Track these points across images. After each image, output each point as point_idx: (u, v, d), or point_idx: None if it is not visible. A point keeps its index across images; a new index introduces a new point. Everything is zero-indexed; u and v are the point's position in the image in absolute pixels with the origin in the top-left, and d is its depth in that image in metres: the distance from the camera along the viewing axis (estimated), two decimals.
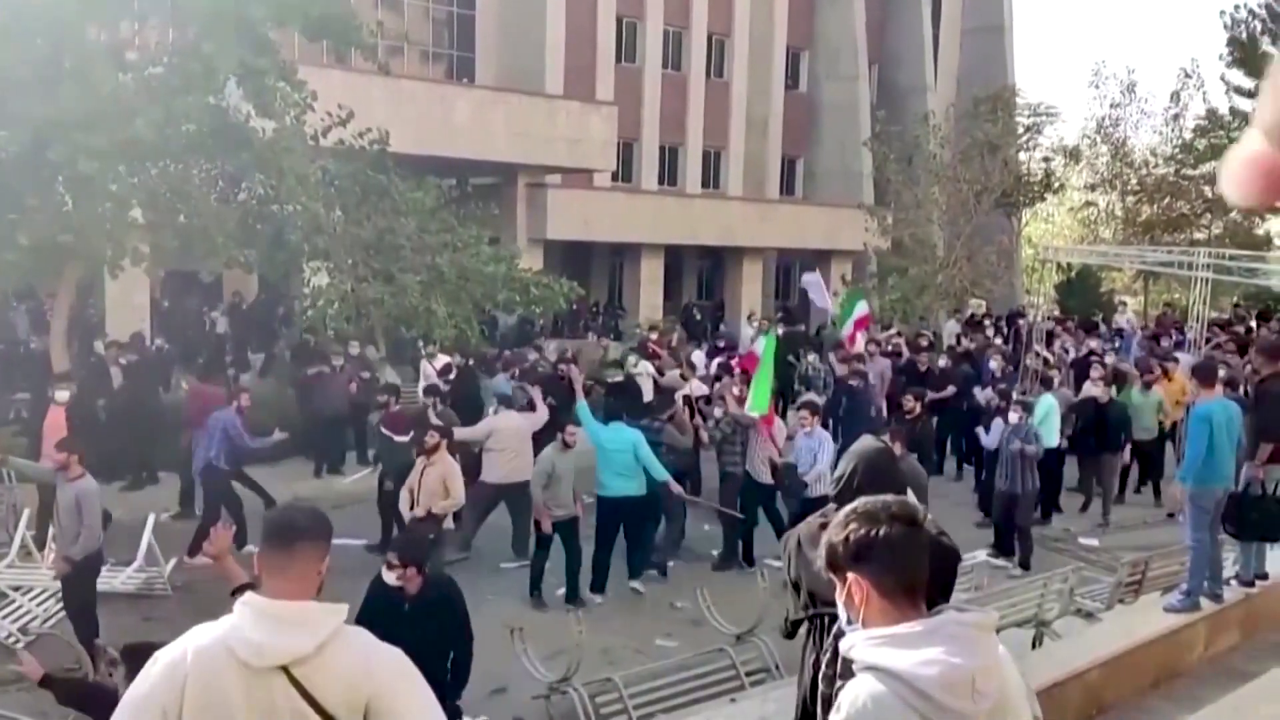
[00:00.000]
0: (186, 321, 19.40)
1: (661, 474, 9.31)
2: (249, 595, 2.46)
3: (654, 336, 17.40)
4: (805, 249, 29.81)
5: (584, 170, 24.08)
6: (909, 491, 4.03)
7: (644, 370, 14.31)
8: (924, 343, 17.54)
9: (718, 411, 11.13)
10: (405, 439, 10.18)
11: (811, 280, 21.41)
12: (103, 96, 10.62)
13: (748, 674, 7.04)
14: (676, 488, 9.59)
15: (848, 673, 2.22)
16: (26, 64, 10.27)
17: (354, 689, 2.38)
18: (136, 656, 3.52)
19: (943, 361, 15.25)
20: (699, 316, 26.52)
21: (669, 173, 29.56)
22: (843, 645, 2.21)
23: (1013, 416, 10.52)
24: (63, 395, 10.01)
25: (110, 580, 8.68)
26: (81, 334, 15.48)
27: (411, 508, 8.57)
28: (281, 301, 20.53)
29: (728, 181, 30.45)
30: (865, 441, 3.93)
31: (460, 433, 10.03)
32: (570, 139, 22.42)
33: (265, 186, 13.31)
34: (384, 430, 10.83)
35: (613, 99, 25.40)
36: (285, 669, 2.35)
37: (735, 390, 11.06)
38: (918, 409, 11.96)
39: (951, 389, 14.04)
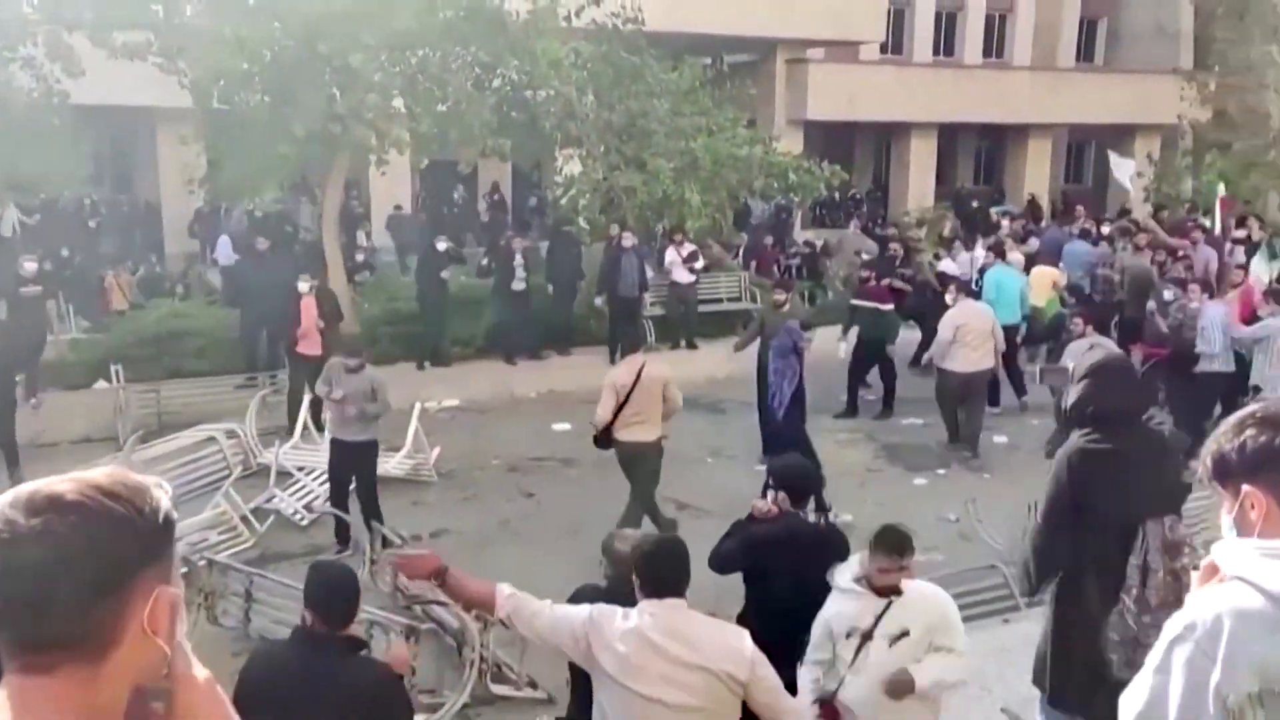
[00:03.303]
0: (443, 212, 20.55)
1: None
2: None
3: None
4: (1104, 124, 27.31)
5: (849, 42, 23.05)
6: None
7: None
8: None
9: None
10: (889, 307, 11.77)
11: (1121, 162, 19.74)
12: None
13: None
14: None
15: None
16: None
17: None
18: None
19: None
20: (975, 204, 25.08)
21: (945, 41, 27.76)
22: (1217, 549, 2.05)
23: None
24: (304, 286, 10.87)
25: (383, 464, 9.50)
26: (347, 225, 16.76)
27: None
28: (534, 191, 21.31)
29: (1013, 49, 28.24)
30: (1105, 350, 3.71)
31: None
32: (834, 7, 21.40)
33: (519, 72, 13.65)
34: (867, 302, 11.85)
35: None
36: None
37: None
38: None
39: None
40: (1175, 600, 3.29)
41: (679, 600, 3.30)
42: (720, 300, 15.24)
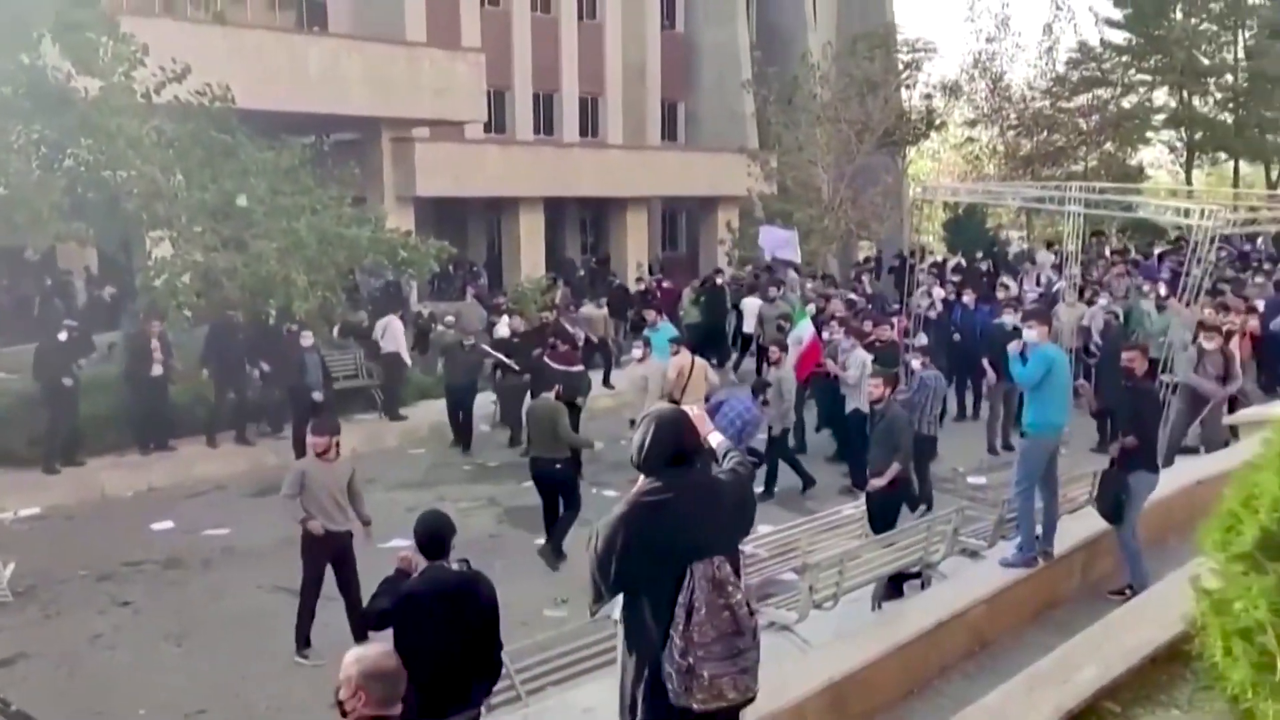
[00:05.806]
0: (15, 303, 18.31)
1: None
2: None
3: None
4: (690, 196, 29.87)
5: (453, 122, 23.53)
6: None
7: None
8: None
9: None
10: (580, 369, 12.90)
11: (777, 237, 21.45)
12: None
13: None
14: None
15: None
16: None
17: None
18: None
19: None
20: (582, 272, 26.35)
21: (544, 122, 29.15)
22: None
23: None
24: None
25: None
26: None
27: None
28: (123, 276, 19.59)
29: (606, 129, 30.23)
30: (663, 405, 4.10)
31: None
32: (435, 89, 21.80)
33: (93, 151, 12.57)
34: (557, 364, 12.19)
35: (479, 45, 24.80)
36: None
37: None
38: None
39: None
40: (729, 632, 3.53)
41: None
42: (337, 379, 14.80)
